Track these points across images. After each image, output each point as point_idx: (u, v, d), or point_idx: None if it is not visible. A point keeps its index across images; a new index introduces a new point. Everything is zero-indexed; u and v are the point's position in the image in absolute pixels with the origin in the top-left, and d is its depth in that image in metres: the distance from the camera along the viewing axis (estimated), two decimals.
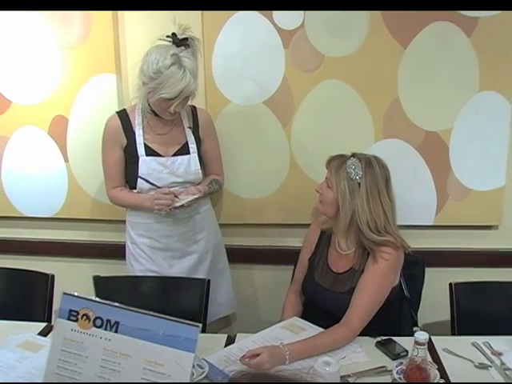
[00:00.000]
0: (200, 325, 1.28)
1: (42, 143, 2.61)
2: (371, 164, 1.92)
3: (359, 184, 1.90)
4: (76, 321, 1.30)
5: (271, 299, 2.61)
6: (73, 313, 1.30)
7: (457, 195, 2.43)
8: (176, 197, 2.15)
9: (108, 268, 2.62)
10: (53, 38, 2.48)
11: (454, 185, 2.42)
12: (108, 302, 1.31)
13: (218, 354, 1.75)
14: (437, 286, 2.24)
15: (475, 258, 2.50)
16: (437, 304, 2.27)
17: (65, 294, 1.34)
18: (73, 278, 2.61)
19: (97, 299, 1.32)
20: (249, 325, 2.59)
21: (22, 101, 2.58)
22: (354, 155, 1.97)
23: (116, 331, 1.26)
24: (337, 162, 1.94)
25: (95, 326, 1.27)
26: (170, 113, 2.11)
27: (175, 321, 1.28)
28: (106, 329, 1.27)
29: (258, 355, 1.63)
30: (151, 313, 1.29)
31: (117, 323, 1.26)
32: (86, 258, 2.73)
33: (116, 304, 1.31)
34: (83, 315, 1.29)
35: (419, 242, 2.31)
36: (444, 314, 2.23)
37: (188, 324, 1.25)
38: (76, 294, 1.37)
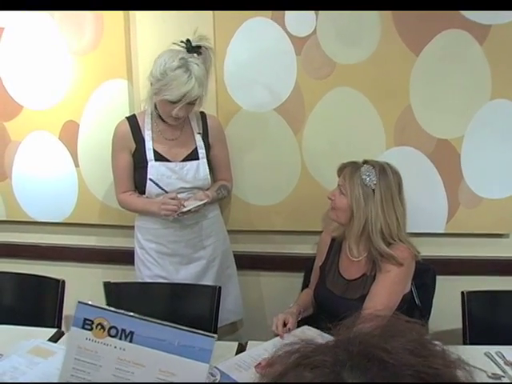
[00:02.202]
0: (215, 336, 1.27)
1: (52, 148, 2.62)
2: (385, 170, 1.93)
3: (373, 190, 1.90)
4: (91, 330, 1.29)
5: (279, 306, 2.56)
6: (87, 322, 1.30)
7: (468, 203, 2.42)
8: (182, 205, 2.15)
9: (117, 273, 2.62)
10: (65, 44, 2.50)
11: (466, 193, 2.41)
12: (123, 311, 1.31)
13: (230, 361, 1.75)
14: (447, 294, 2.23)
15: (486, 267, 2.48)
16: (447, 312, 2.25)
17: (80, 302, 1.34)
18: (82, 283, 2.64)
19: (112, 309, 1.32)
20: (256, 331, 2.59)
21: (34, 106, 2.59)
22: (366, 162, 1.97)
23: (131, 341, 1.26)
24: (350, 169, 1.94)
25: (110, 335, 1.27)
26: (173, 117, 2.12)
27: (190, 331, 1.28)
28: (120, 338, 1.26)
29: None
30: (166, 323, 1.28)
31: (131, 333, 1.26)
32: (96, 263, 2.73)
33: (131, 314, 1.30)
34: (98, 324, 1.29)
35: (430, 249, 2.30)
36: (455, 322, 2.22)
37: (203, 335, 1.25)
38: (91, 302, 1.36)
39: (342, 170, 2.00)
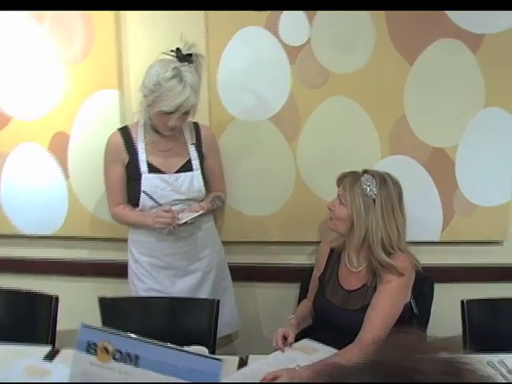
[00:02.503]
0: (223, 360, 1.24)
1: (42, 160, 2.56)
2: (385, 181, 1.92)
3: (374, 201, 1.89)
4: (95, 354, 1.25)
5: (275, 317, 2.59)
6: (91, 345, 1.26)
7: (463, 211, 2.42)
8: (176, 217, 2.12)
9: (110, 287, 2.58)
10: (54, 53, 2.45)
11: (460, 201, 2.41)
12: (128, 334, 1.27)
13: (232, 377, 1.73)
14: (444, 301, 2.24)
15: (482, 274, 2.49)
16: (445, 320, 2.23)
17: (83, 325, 1.30)
18: (74, 298, 2.60)
19: (116, 331, 1.28)
20: (252, 343, 2.58)
21: (22, 117, 2.54)
22: (366, 172, 1.96)
23: (136, 365, 1.22)
24: (350, 179, 1.93)
25: (114, 359, 1.23)
26: (169, 128, 2.09)
27: (198, 355, 1.25)
28: (125, 362, 1.23)
29: (276, 377, 1.63)
30: (173, 346, 1.25)
31: (137, 356, 1.22)
32: (87, 276, 2.68)
33: (136, 336, 1.27)
34: (102, 348, 1.25)
35: (426, 258, 2.25)
36: (452, 329, 2.19)
37: (211, 358, 1.21)
38: (95, 325, 1.32)
39: (341, 179, 1.98)
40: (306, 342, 1.96)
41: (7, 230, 2.67)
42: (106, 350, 1.24)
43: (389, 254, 1.90)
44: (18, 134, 2.56)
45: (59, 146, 2.54)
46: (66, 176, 2.57)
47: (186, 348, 1.69)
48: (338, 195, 1.97)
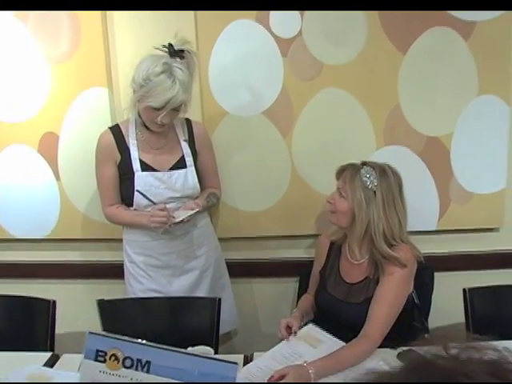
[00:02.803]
0: (237, 363, 1.22)
1: (31, 162, 2.51)
2: (385, 172, 1.91)
3: (375, 192, 1.88)
4: (104, 362, 1.22)
5: (273, 313, 2.57)
6: (100, 353, 1.22)
7: (459, 199, 2.43)
8: (171, 216, 2.08)
9: (106, 288, 2.53)
10: (40, 52, 2.39)
11: (456, 189, 2.41)
12: (138, 340, 1.24)
13: (238, 376, 1.70)
14: (444, 290, 2.24)
15: (479, 261, 2.50)
16: (445, 309, 2.26)
17: (90, 333, 1.27)
18: (69, 301, 2.56)
19: (125, 338, 1.25)
20: (252, 339, 2.57)
21: (10, 118, 2.48)
22: (365, 164, 1.94)
23: (148, 371, 1.19)
24: (350, 171, 1.91)
25: (125, 366, 1.20)
26: (158, 124, 2.05)
27: (211, 358, 1.22)
28: (136, 369, 1.19)
29: (283, 376, 1.60)
30: (184, 351, 1.22)
31: (148, 363, 1.19)
32: (82, 278, 2.64)
33: (146, 342, 1.24)
34: (111, 355, 1.22)
35: (423, 247, 2.23)
36: (453, 318, 2.25)
37: (225, 361, 1.19)
38: (103, 333, 1.29)
39: (340, 172, 1.96)
40: (310, 330, 1.93)
41: None
42: (115, 357, 1.21)
43: (391, 246, 1.89)
44: (5, 136, 2.50)
45: (49, 147, 2.49)
46: (57, 177, 2.52)
47: (190, 349, 1.68)
48: (338, 188, 1.95)
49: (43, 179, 2.53)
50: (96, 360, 1.22)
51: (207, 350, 1.66)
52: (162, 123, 2.04)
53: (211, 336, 1.99)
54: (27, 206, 2.56)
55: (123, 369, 1.20)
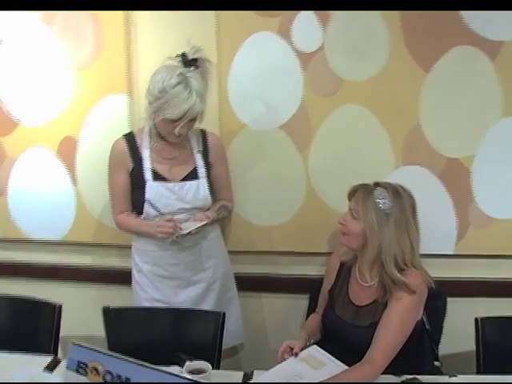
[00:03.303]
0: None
1: (50, 165, 2.55)
2: (399, 193, 1.86)
3: (387, 214, 1.83)
4: (85, 374, 1.21)
5: (281, 329, 2.55)
6: (81, 365, 1.22)
7: (478, 224, 2.35)
8: (179, 227, 2.07)
9: (116, 294, 2.55)
10: (63, 58, 2.43)
11: (476, 213, 2.34)
12: (118, 355, 1.22)
13: None
14: (457, 316, 2.18)
15: (497, 289, 2.40)
16: (458, 335, 2.21)
17: (73, 344, 1.27)
18: (80, 304, 2.59)
19: (107, 352, 1.23)
20: (257, 355, 2.53)
21: (31, 121, 2.53)
22: (378, 184, 1.89)
23: None
24: (363, 192, 1.87)
25: (105, 380, 1.19)
26: (175, 135, 2.04)
27: (190, 380, 1.19)
28: None
29: None
30: (164, 369, 1.19)
31: (127, 379, 1.17)
32: (94, 283, 2.65)
33: (127, 358, 1.22)
34: (92, 368, 1.20)
35: (439, 271, 2.20)
36: (465, 346, 2.20)
37: None
38: (85, 345, 1.28)
39: (352, 193, 1.92)
40: (313, 352, 1.89)
41: (14, 234, 2.66)
42: (96, 370, 1.20)
43: (401, 271, 1.84)
44: (26, 139, 2.55)
45: (67, 151, 2.52)
46: (74, 181, 2.55)
47: (188, 363, 1.65)
48: (350, 209, 1.91)
49: (61, 183, 2.56)
50: (77, 372, 1.21)
51: (204, 366, 1.63)
52: (179, 134, 2.04)
53: (213, 350, 1.96)
54: (44, 208, 2.61)
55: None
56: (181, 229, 2.05)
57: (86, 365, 1.20)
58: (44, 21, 2.41)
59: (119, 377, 1.17)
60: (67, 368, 1.24)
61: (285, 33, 2.28)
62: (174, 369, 1.69)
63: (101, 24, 2.38)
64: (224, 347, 2.30)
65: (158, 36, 2.39)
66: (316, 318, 2.09)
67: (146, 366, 1.18)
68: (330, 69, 2.28)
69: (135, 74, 2.43)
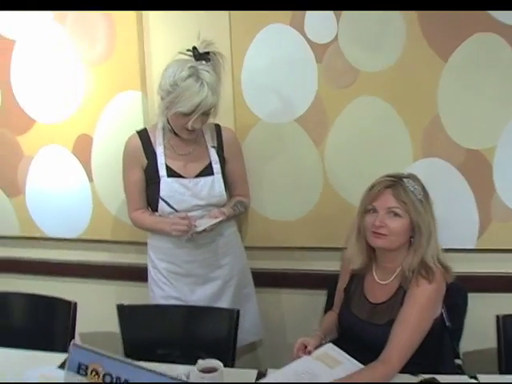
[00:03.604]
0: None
1: (66, 163, 2.56)
2: (419, 180, 1.87)
3: (422, 201, 1.82)
4: (85, 375, 1.20)
5: (300, 325, 2.51)
6: (82, 366, 1.21)
7: (501, 217, 2.28)
8: (193, 225, 2.05)
9: (133, 291, 2.55)
10: (77, 55, 2.44)
11: (498, 206, 2.27)
12: (119, 357, 1.22)
13: None
14: (479, 312, 2.12)
15: None
16: (479, 332, 2.15)
17: (74, 345, 1.26)
18: (97, 301, 2.60)
19: (107, 353, 1.22)
20: (276, 352, 2.51)
21: (46, 119, 2.54)
22: (397, 176, 1.85)
23: None
24: (399, 188, 1.82)
25: (104, 382, 1.18)
26: (188, 130, 2.02)
27: None
28: None
29: None
30: (164, 373, 1.17)
31: (127, 381, 1.16)
32: (111, 279, 2.66)
33: (127, 360, 1.21)
34: (92, 370, 1.20)
35: (460, 266, 2.12)
36: (487, 342, 2.12)
37: None
38: (86, 346, 1.28)
39: (379, 192, 1.85)
40: (329, 350, 1.86)
41: (32, 232, 2.68)
42: (96, 372, 1.19)
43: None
44: (42, 137, 2.57)
45: (83, 149, 2.53)
46: (90, 179, 2.56)
47: (200, 361, 1.63)
48: (389, 208, 1.82)
49: (77, 180, 2.58)
50: (78, 373, 1.21)
51: (216, 364, 1.61)
52: (192, 128, 2.02)
53: (228, 348, 1.93)
54: (61, 205, 2.62)
55: None
56: (195, 226, 2.03)
57: (87, 366, 1.20)
58: (56, 19, 2.42)
59: (119, 378, 1.16)
60: (68, 369, 1.24)
61: (298, 24, 2.24)
62: (186, 367, 1.68)
63: (113, 20, 2.37)
64: (241, 344, 2.29)
65: (170, 31, 2.36)
66: (333, 315, 2.05)
67: (145, 369, 1.17)
68: (345, 60, 2.23)
69: (149, 69, 2.41)
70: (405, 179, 1.84)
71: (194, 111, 1.95)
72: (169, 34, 2.37)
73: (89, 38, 2.40)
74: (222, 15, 2.28)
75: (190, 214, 2.10)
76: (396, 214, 1.82)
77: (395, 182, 1.84)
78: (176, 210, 2.08)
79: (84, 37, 2.41)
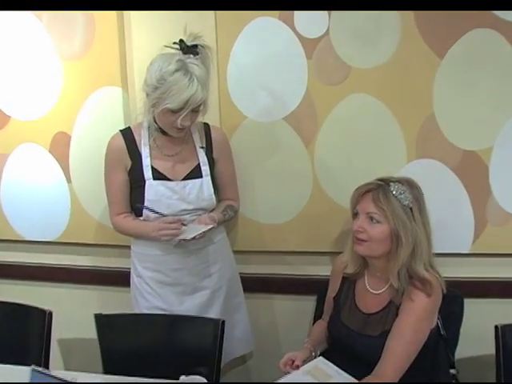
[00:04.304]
0: None
1: (42, 162, 2.47)
2: (413, 185, 1.78)
3: (411, 209, 1.73)
4: None
5: (291, 331, 2.42)
6: None
7: (497, 220, 2.21)
8: (183, 224, 1.95)
9: (114, 296, 2.47)
10: (54, 49, 2.34)
11: (494, 209, 2.20)
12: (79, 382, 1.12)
13: None
14: (474, 318, 2.07)
15: None
16: (475, 338, 2.09)
17: (33, 370, 1.21)
18: (77, 307, 2.52)
19: (65, 380, 1.13)
20: (267, 360, 2.39)
21: (22, 116, 2.45)
22: (385, 180, 1.76)
23: None
24: (379, 192, 1.73)
25: None
26: (178, 128, 1.92)
27: None
28: None
29: None
30: None
31: None
32: (91, 284, 2.56)
33: None
34: None
35: (454, 271, 2.14)
36: (483, 349, 2.10)
37: None
38: (45, 371, 1.23)
39: (361, 195, 1.77)
40: (319, 364, 1.77)
41: (7, 234, 2.59)
42: None
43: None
44: (17, 135, 2.48)
45: (60, 148, 2.44)
46: (68, 179, 2.46)
47: (182, 378, 1.54)
48: (367, 213, 1.75)
49: (54, 180, 2.49)
50: None
51: (199, 380, 1.51)
52: (182, 126, 1.91)
53: (213, 360, 1.83)
54: (37, 207, 2.53)
55: None
56: (185, 225, 1.94)
57: None
58: (33, 12, 2.32)
59: None
60: None
61: (287, 18, 2.15)
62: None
63: (92, 13, 2.27)
64: (233, 357, 2.24)
65: (152, 24, 2.26)
66: (322, 324, 1.97)
67: None
68: (337, 55, 2.15)
69: (130, 64, 2.31)
70: (392, 183, 1.75)
71: (183, 107, 1.85)
72: (151, 27, 2.27)
73: (67, 32, 2.31)
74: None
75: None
76: (375, 220, 1.74)
77: (378, 186, 1.76)
78: (163, 215, 1.98)
79: (62, 30, 2.31)
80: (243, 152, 2.27)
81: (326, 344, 1.92)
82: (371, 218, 1.74)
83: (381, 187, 1.75)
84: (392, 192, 1.73)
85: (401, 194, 1.73)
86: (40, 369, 1.20)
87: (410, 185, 1.77)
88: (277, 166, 2.29)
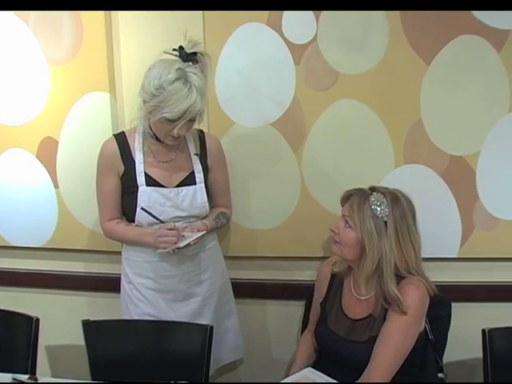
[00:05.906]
0: None
1: (29, 167, 2.42)
2: (397, 198, 1.74)
3: (386, 223, 1.70)
4: None
5: (282, 336, 2.42)
6: None
7: (484, 225, 2.22)
8: (181, 235, 1.93)
9: (103, 302, 2.45)
10: (41, 53, 2.31)
11: (481, 214, 2.21)
12: None
13: None
14: (462, 322, 2.08)
15: (505, 293, 2.27)
16: (463, 343, 2.11)
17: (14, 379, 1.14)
18: (66, 313, 2.49)
19: None
20: (258, 365, 2.42)
21: (8, 121, 2.41)
22: (374, 189, 1.76)
23: None
24: (358, 198, 1.73)
25: None
26: (173, 137, 1.90)
27: None
28: None
29: None
30: None
31: None
32: (79, 290, 2.52)
33: None
34: None
35: (442, 275, 2.14)
36: (470, 353, 2.13)
37: None
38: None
39: (346, 198, 1.79)
40: (308, 373, 1.77)
41: None
42: None
43: (402, 279, 1.71)
44: (4, 140, 2.43)
45: (48, 153, 2.40)
46: (56, 184, 2.43)
47: None
48: (343, 216, 1.77)
49: (41, 186, 2.44)
50: None
51: None
52: (178, 135, 1.89)
53: (201, 367, 1.82)
54: (24, 213, 2.49)
55: None
56: (183, 236, 1.91)
57: None
58: (18, 15, 2.29)
59: None
60: None
61: (275, 23, 2.15)
62: None
63: (80, 17, 2.24)
64: (223, 363, 2.23)
65: (140, 29, 2.25)
66: (307, 339, 1.97)
67: None
68: (325, 61, 2.15)
69: (118, 69, 2.30)
70: (375, 193, 1.75)
71: (181, 117, 1.82)
72: (139, 32, 2.26)
73: (54, 37, 2.27)
74: (196, 13, 2.18)
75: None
76: (347, 224, 1.75)
77: (361, 193, 1.77)
78: (162, 221, 1.95)
79: (49, 35, 2.27)
80: (231, 158, 2.25)
81: (314, 357, 1.91)
82: (346, 222, 1.75)
83: (363, 194, 1.75)
84: (370, 201, 1.72)
85: (378, 205, 1.72)
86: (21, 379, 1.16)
87: (394, 198, 1.75)
88: (265, 172, 2.28)
